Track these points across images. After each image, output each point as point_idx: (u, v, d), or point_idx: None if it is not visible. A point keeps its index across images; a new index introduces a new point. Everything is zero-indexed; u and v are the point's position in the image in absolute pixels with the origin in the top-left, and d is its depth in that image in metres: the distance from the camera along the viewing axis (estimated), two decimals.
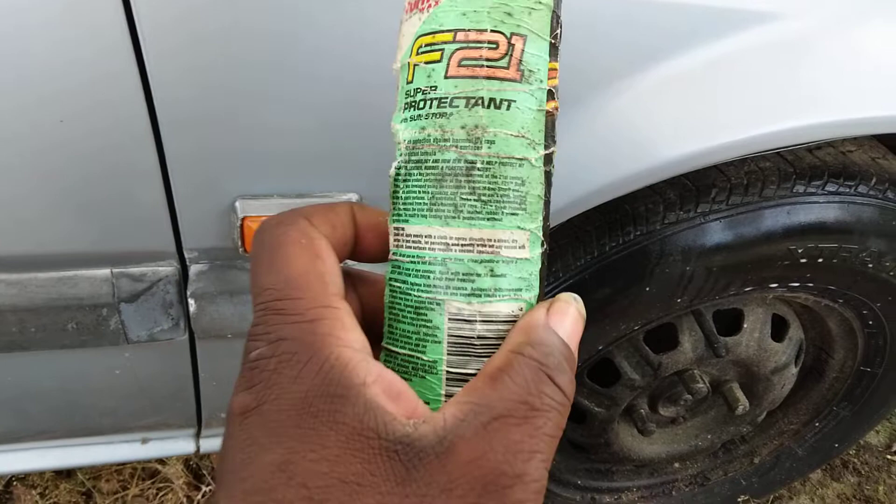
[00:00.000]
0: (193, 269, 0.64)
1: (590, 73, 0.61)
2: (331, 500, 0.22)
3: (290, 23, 0.50)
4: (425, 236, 0.28)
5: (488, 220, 0.28)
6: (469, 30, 0.27)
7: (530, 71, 0.28)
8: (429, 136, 0.28)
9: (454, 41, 0.27)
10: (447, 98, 0.28)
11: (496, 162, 0.28)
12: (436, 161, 0.28)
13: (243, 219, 0.58)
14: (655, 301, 0.81)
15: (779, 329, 1.00)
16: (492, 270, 0.28)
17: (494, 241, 0.28)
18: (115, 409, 0.85)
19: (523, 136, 0.28)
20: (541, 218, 0.29)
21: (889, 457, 1.49)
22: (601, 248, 0.77)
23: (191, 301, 0.65)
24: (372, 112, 0.54)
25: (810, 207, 0.77)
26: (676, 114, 0.65)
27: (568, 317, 0.27)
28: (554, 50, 0.29)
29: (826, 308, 0.96)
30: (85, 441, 0.96)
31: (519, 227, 0.28)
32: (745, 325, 0.95)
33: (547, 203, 0.29)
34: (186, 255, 0.63)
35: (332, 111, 0.55)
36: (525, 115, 0.28)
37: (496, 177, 0.28)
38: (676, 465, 1.22)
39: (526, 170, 0.28)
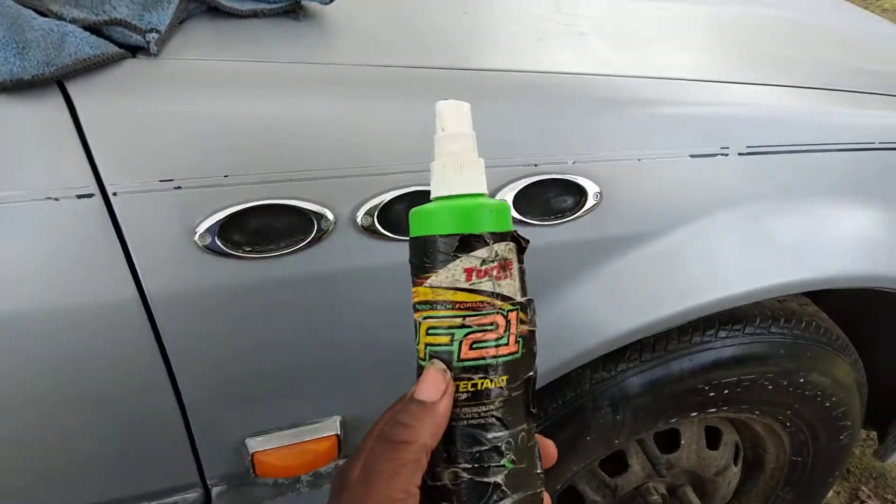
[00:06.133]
0: (215, 491, 0.78)
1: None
2: None
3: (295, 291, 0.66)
4: None
5: None
6: None
7: None
8: None
9: None
10: None
11: None
12: None
13: (253, 454, 0.73)
14: (598, 444, 0.97)
15: (716, 437, 1.16)
16: None
17: None
18: None
19: None
20: None
21: None
22: (546, 409, 0.93)
23: None
24: (348, 352, 0.71)
25: (708, 352, 0.94)
26: (604, 307, 0.82)
27: None
28: None
29: (748, 417, 1.13)
30: None
31: None
32: (682, 442, 1.11)
33: None
34: (209, 482, 0.78)
35: (319, 352, 0.71)
36: None
37: None
38: None
39: None
